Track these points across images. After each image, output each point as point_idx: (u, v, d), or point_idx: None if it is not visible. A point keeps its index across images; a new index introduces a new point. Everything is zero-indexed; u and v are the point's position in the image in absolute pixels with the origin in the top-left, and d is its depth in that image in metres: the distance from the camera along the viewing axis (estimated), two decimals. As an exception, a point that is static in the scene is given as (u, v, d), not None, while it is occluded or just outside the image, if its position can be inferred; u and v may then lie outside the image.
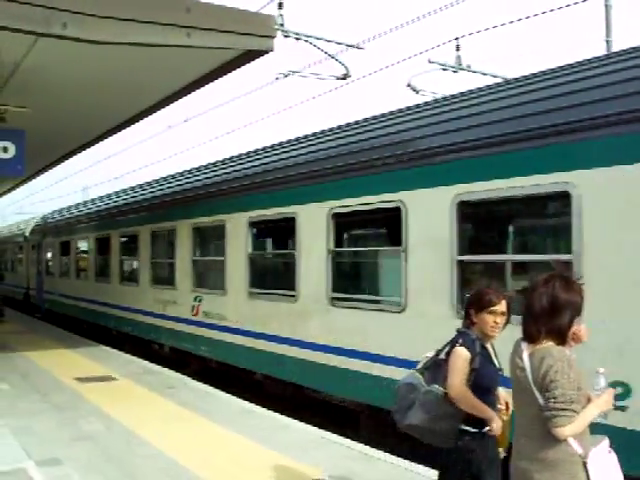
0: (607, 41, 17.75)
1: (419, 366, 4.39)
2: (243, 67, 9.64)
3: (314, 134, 11.00)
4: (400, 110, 9.23)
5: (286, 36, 13.28)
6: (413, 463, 6.62)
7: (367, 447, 7.31)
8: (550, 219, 7.19)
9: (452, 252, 7.02)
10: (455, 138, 7.18)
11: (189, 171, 15.59)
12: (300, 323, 9.55)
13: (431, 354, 4.38)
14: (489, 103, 7.34)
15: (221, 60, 9.20)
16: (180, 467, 6.61)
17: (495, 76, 15.76)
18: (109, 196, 20.73)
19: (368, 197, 8.38)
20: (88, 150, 16.64)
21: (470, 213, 7.17)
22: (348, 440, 7.62)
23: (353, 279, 9.75)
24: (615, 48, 16.42)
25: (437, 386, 4.14)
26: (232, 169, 12.76)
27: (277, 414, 8.96)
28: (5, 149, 10.06)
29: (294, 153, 10.55)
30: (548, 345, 3.37)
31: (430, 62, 15.89)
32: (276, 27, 10.89)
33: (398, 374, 6.14)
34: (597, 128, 5.81)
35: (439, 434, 4.14)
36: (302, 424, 8.40)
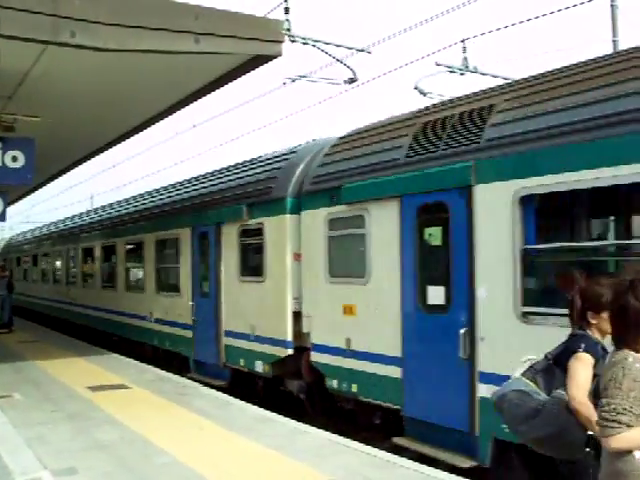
0: (614, 41, 17.69)
1: (522, 371, 4.14)
2: (251, 72, 9.64)
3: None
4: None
5: (293, 41, 13.28)
6: (437, 470, 6.54)
7: (389, 454, 7.21)
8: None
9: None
10: None
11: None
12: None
13: (532, 357, 4.16)
14: None
15: (229, 66, 9.18)
16: (197, 476, 6.55)
17: (505, 78, 15.66)
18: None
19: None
20: (95, 158, 16.72)
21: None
22: (369, 447, 7.53)
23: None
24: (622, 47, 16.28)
25: (561, 392, 3.88)
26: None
27: (294, 421, 8.89)
28: (14, 158, 10.03)
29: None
30: (624, 352, 3.22)
31: (437, 65, 15.86)
32: (283, 32, 10.87)
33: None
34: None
35: (568, 446, 3.88)
36: (320, 430, 8.33)
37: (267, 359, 10.89)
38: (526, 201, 6.56)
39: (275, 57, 8.96)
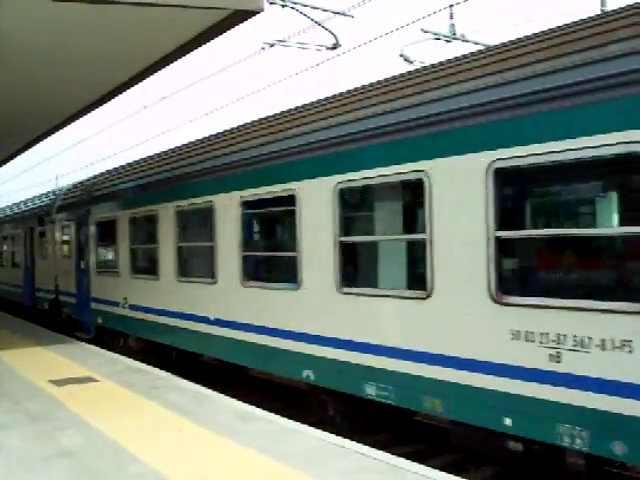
0: (602, 11, 17.02)
1: None
2: (230, 30, 8.77)
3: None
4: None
5: (272, 3, 12.28)
6: (450, 475, 5.76)
7: (394, 457, 6.39)
8: None
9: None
10: None
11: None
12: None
13: None
14: None
15: (211, 21, 8.36)
16: (176, 489, 5.68)
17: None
18: None
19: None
20: (58, 135, 15.73)
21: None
22: (369, 449, 6.69)
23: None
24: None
25: None
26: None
27: (279, 417, 8.05)
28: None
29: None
30: None
31: (423, 31, 14.99)
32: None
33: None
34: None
35: None
36: (311, 429, 7.49)
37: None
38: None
39: (256, 12, 8.15)
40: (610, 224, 5.86)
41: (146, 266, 13.96)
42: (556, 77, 5.83)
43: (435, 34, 15.04)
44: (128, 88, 11.67)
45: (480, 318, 6.38)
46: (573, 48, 5.82)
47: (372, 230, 8.39)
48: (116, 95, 12.15)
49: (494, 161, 6.26)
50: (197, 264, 12.24)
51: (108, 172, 17.18)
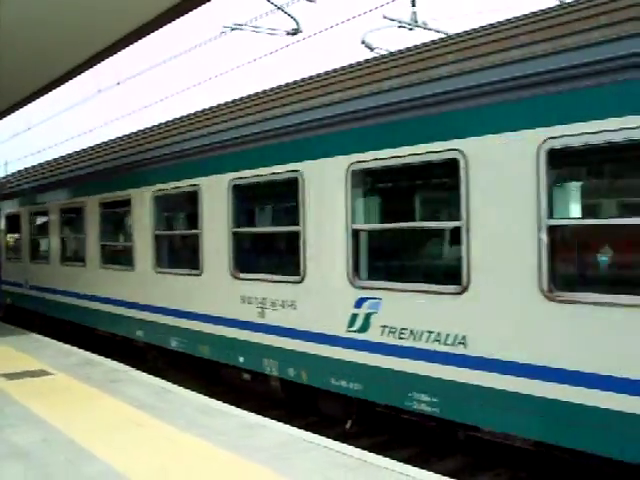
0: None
1: None
2: (188, 16, 8.49)
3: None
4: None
5: (232, -16, 11.93)
6: (427, 472, 5.62)
7: (366, 452, 6.23)
8: None
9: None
10: None
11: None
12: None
13: None
14: None
15: (169, 2, 7.99)
16: (137, 489, 5.43)
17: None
18: None
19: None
20: (7, 120, 15.16)
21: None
22: (340, 444, 6.52)
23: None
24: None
25: None
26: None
27: (245, 412, 7.83)
28: None
29: None
30: None
31: (385, 18, 14.83)
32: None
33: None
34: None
35: None
36: (279, 424, 7.28)
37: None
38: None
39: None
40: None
41: (41, 253, 17.51)
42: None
43: (397, 21, 14.91)
44: (81, 72, 11.25)
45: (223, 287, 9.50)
46: None
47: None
48: (68, 80, 11.73)
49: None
50: (70, 251, 16.03)
51: (19, 171, 20.06)
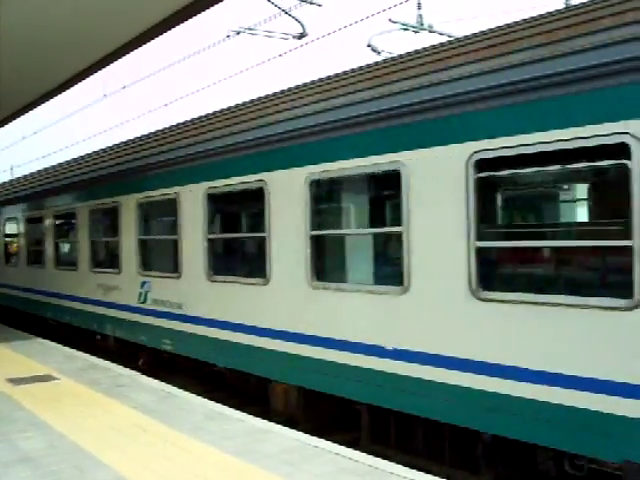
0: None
1: None
2: (194, 20, 8.48)
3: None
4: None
5: (238, -12, 11.93)
6: (434, 477, 5.57)
7: (376, 459, 6.18)
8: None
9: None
10: None
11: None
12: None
13: None
14: None
15: (176, 6, 8.02)
16: (145, 497, 5.39)
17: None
18: None
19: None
20: (14, 124, 15.18)
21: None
22: (348, 449, 6.47)
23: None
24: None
25: None
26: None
27: (251, 416, 7.79)
28: None
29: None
30: None
31: (391, 21, 14.82)
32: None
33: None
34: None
35: None
36: (285, 429, 7.24)
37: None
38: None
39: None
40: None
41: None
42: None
43: (403, 24, 14.89)
44: (88, 76, 11.26)
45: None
46: None
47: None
48: (74, 84, 11.74)
49: None
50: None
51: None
